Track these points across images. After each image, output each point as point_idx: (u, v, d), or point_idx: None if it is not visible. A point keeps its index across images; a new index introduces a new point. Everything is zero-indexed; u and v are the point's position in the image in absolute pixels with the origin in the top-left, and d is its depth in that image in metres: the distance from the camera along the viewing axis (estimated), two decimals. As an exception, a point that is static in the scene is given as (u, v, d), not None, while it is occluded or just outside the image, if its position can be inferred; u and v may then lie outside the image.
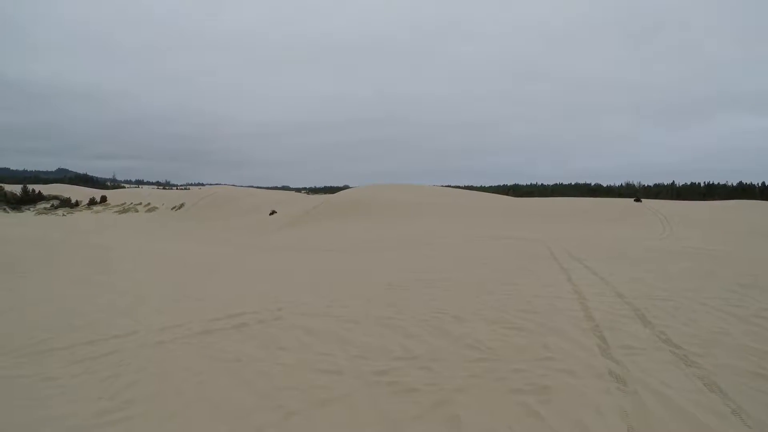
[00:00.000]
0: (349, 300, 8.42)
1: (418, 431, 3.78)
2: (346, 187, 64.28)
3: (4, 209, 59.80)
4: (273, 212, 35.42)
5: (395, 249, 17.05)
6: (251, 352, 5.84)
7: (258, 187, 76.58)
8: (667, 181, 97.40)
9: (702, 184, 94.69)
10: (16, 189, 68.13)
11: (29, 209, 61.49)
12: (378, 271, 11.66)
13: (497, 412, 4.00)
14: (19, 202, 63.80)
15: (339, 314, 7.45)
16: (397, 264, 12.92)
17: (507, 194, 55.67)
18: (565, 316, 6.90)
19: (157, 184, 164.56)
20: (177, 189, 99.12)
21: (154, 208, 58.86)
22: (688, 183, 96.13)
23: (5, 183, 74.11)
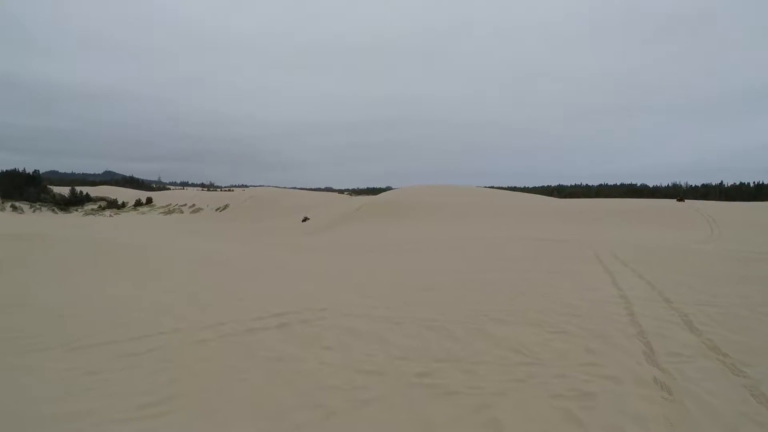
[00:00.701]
0: (392, 301, 8.44)
1: (458, 435, 3.72)
2: (388, 188, 64.31)
3: (53, 210, 61.78)
4: (305, 219, 35.46)
5: (438, 250, 16.98)
6: (293, 351, 5.88)
7: (301, 189, 77.22)
8: (715, 182, 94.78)
9: (751, 184, 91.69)
10: (64, 191, 70.21)
11: (77, 210, 63.30)
12: (421, 272, 11.65)
13: (538, 417, 3.95)
14: (67, 204, 65.84)
15: (381, 315, 7.47)
16: (440, 265, 12.87)
17: (552, 195, 54.88)
18: (610, 321, 6.79)
19: (202, 185, 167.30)
20: (221, 190, 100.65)
21: (198, 209, 59.71)
22: (737, 183, 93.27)
23: (54, 185, 76.38)
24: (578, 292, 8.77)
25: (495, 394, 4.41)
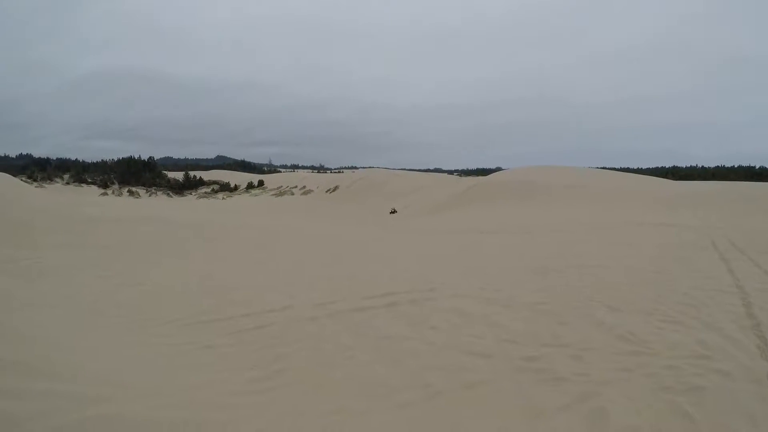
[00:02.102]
0: (502, 283, 8.40)
1: (562, 422, 3.75)
2: (498, 169, 62.97)
3: (168, 194, 65.09)
4: (393, 211, 35.20)
5: (549, 233, 16.60)
6: (401, 331, 6.02)
7: (410, 170, 77.31)
8: None
9: None
10: (178, 176, 73.72)
11: (191, 194, 66.33)
12: (532, 255, 11.48)
13: (645, 409, 3.89)
14: (181, 188, 69.14)
15: (491, 297, 7.47)
16: (551, 248, 12.61)
17: (665, 177, 52.11)
18: (724, 311, 6.50)
19: (312, 168, 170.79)
20: (331, 172, 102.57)
21: (309, 191, 60.28)
22: None
23: (168, 170, 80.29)
24: (692, 280, 8.39)
25: (602, 382, 4.38)
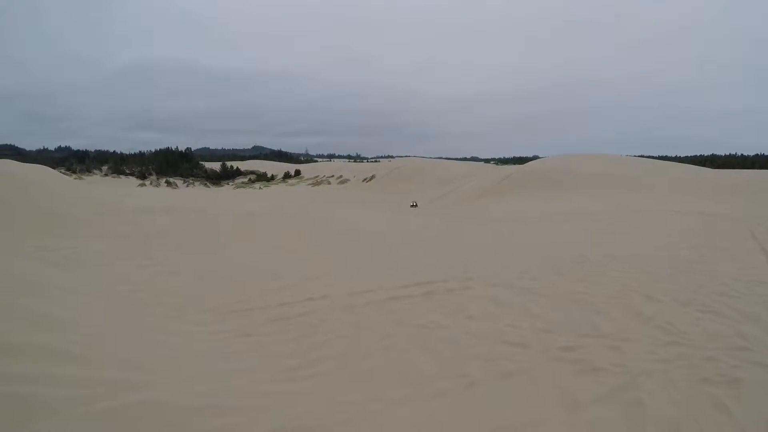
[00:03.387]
0: (539, 272, 8.39)
1: (599, 414, 3.74)
2: (535, 158, 62.40)
3: (205, 184, 66.05)
4: (414, 204, 34.64)
5: (588, 221, 16.40)
6: (438, 320, 6.05)
7: (447, 159, 76.94)
8: None
9: None
10: (215, 166, 74.68)
11: (228, 184, 67.16)
12: (570, 245, 11.43)
13: (683, 401, 3.87)
14: (218, 178, 70.10)
15: (528, 286, 7.47)
16: (589, 237, 12.52)
17: (704, 165, 51.02)
18: (764, 303, 6.44)
19: (348, 157, 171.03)
20: (367, 162, 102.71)
21: (345, 180, 60.33)
22: None
23: (205, 161, 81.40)
24: (732, 271, 8.29)
25: (640, 373, 4.37)
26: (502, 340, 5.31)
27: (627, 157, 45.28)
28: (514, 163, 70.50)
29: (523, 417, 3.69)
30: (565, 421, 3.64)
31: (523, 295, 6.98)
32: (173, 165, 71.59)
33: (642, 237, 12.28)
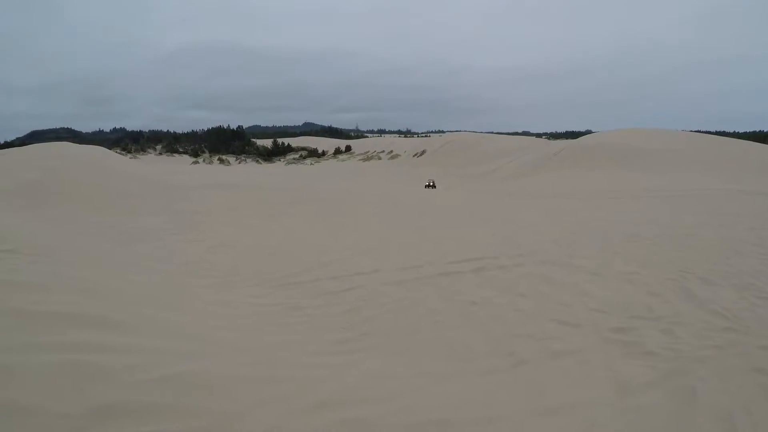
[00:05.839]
0: (592, 251, 8.28)
1: (648, 399, 3.67)
2: (588, 132, 60.71)
3: (257, 161, 67.00)
4: (428, 185, 32.27)
5: (642, 199, 15.98)
6: (488, 297, 6.04)
7: (498, 133, 75.89)
8: None
9: None
10: (266, 143, 75.51)
11: (279, 160, 67.92)
12: (624, 223, 11.17)
13: (736, 390, 3.75)
14: (269, 155, 70.95)
15: (580, 265, 7.39)
16: (645, 216, 12.15)
17: (764, 142, 48.72)
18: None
19: (399, 132, 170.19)
20: (418, 137, 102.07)
21: (396, 156, 59.74)
22: None
23: (257, 138, 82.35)
24: (792, 255, 7.95)
25: (692, 359, 4.27)
26: (553, 319, 5.27)
27: (684, 132, 43.55)
28: (567, 138, 69.01)
29: (571, 398, 3.66)
30: (613, 404, 3.60)
31: (575, 274, 6.90)
32: (225, 142, 72.80)
33: (698, 217, 11.87)
